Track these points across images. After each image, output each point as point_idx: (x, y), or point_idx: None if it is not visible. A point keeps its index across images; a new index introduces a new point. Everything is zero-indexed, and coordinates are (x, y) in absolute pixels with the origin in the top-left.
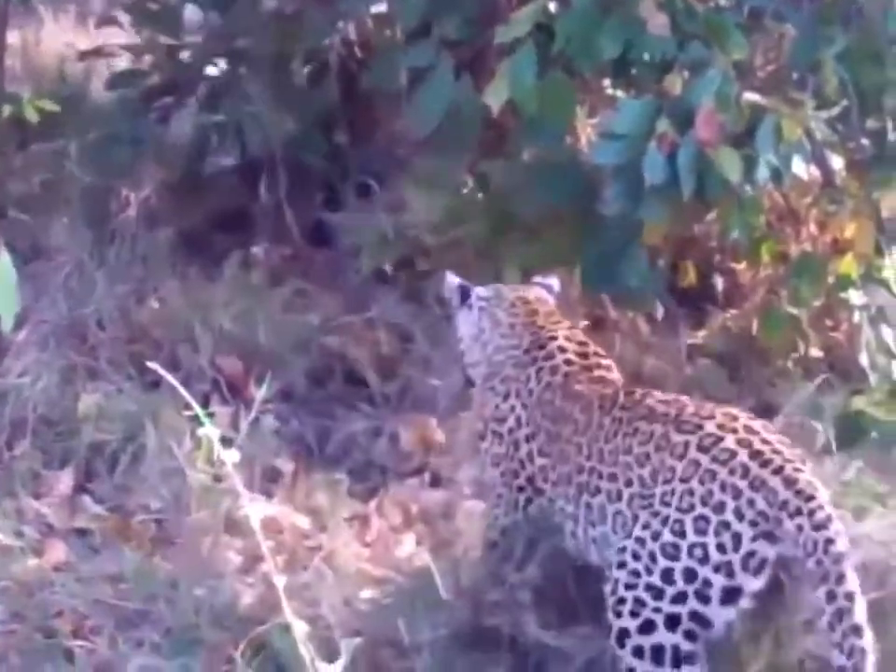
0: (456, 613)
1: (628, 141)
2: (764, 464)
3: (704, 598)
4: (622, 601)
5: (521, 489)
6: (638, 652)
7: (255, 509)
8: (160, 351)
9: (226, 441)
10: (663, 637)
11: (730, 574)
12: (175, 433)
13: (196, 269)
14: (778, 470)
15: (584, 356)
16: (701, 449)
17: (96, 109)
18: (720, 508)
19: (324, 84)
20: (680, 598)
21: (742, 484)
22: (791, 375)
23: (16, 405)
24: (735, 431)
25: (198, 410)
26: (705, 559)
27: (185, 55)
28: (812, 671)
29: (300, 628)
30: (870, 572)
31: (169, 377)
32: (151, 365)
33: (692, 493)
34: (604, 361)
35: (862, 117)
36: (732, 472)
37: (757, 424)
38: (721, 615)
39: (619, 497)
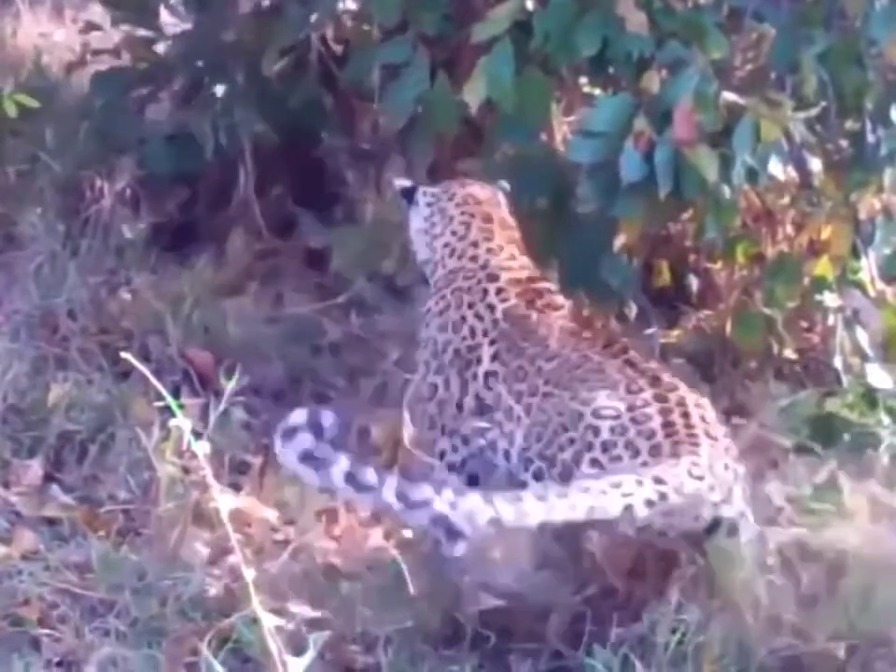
0: (424, 608)
1: (605, 139)
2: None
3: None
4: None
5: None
6: None
7: (224, 501)
8: (131, 342)
9: (196, 433)
10: None
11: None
12: (144, 424)
13: (168, 261)
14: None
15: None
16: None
17: (71, 100)
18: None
19: (301, 79)
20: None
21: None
22: (764, 377)
23: None
24: (664, 400)
25: (169, 400)
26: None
27: (161, 48)
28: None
29: (267, 621)
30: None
31: (141, 367)
32: (124, 355)
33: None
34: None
35: (841, 118)
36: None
37: (690, 399)
38: None
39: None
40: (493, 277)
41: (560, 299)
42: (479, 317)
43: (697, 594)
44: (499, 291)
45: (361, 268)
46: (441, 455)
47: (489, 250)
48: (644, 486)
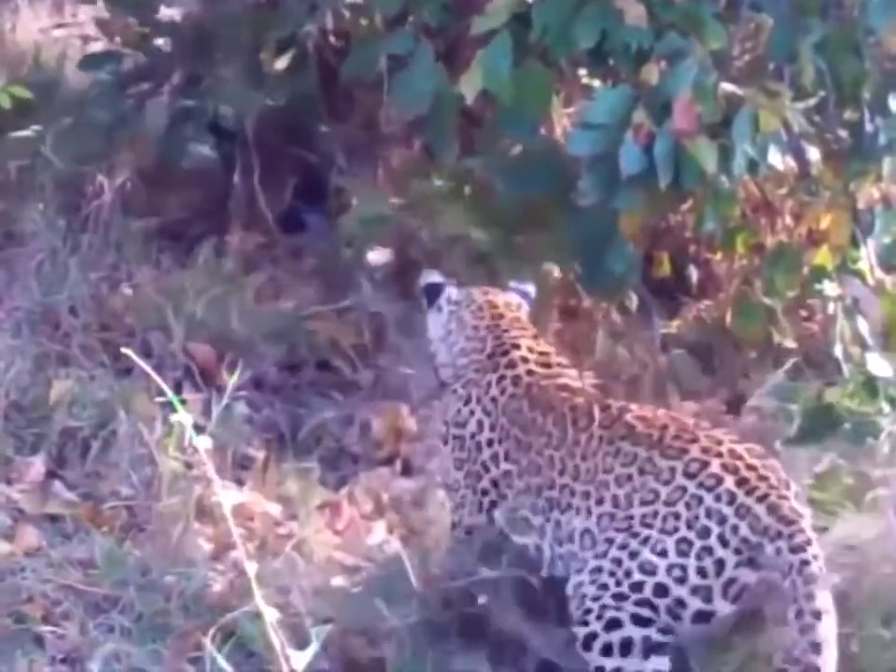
0: (427, 602)
1: (604, 131)
2: (750, 491)
3: (676, 616)
4: (588, 611)
5: (485, 492)
6: (607, 650)
7: (226, 496)
8: (132, 338)
9: (198, 429)
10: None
11: (707, 599)
12: (146, 420)
13: (169, 256)
14: (763, 498)
15: (547, 365)
16: (687, 475)
17: (71, 95)
18: (704, 533)
19: (301, 72)
20: (650, 608)
21: (727, 511)
22: (764, 366)
23: None
24: (720, 455)
25: (171, 396)
26: (683, 580)
27: (160, 41)
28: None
29: (270, 615)
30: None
31: (142, 363)
32: (125, 351)
33: (677, 517)
34: (567, 370)
35: (839, 108)
36: (718, 499)
37: (741, 448)
38: (691, 630)
39: (588, 515)
40: (496, 367)
41: (573, 374)
42: (486, 413)
43: None
44: (502, 386)
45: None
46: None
47: (497, 344)
48: None
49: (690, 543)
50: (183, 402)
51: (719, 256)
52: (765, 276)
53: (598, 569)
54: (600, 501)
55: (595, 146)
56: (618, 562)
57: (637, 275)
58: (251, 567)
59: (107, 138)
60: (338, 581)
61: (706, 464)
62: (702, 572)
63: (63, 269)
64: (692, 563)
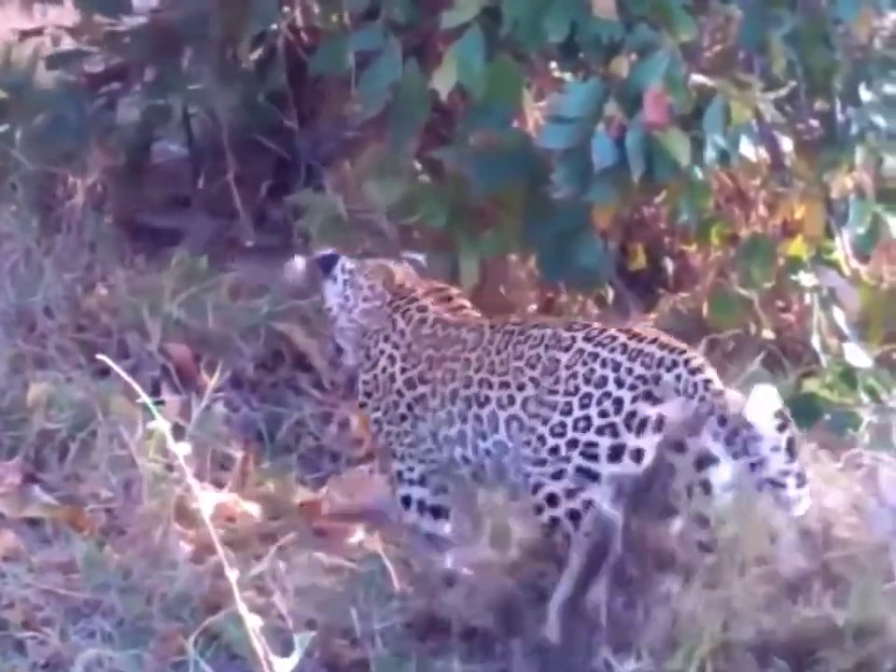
0: (408, 602)
1: (576, 124)
2: (641, 339)
3: (594, 456)
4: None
5: (403, 417)
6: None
7: (206, 502)
8: (108, 339)
9: (177, 430)
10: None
11: (614, 434)
12: (125, 421)
13: (144, 256)
14: (654, 341)
15: (449, 298)
16: (586, 339)
17: (41, 95)
18: (601, 382)
19: (271, 69)
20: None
21: (621, 358)
22: (742, 357)
23: None
24: (618, 329)
25: (148, 403)
26: (588, 427)
27: (129, 40)
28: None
29: (253, 622)
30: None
31: (118, 369)
32: (100, 357)
33: (576, 376)
34: (467, 303)
35: (810, 98)
36: (612, 350)
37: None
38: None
39: (511, 403)
40: (398, 308)
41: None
42: (395, 346)
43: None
44: (407, 316)
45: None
46: (400, 475)
47: (395, 293)
48: None
49: (590, 396)
50: (161, 403)
51: (694, 247)
52: (741, 267)
53: (527, 443)
54: (521, 387)
55: (568, 139)
56: (531, 431)
57: (612, 268)
58: (232, 574)
59: (78, 137)
60: (319, 581)
61: (603, 329)
62: (603, 414)
63: (38, 270)
64: (594, 411)
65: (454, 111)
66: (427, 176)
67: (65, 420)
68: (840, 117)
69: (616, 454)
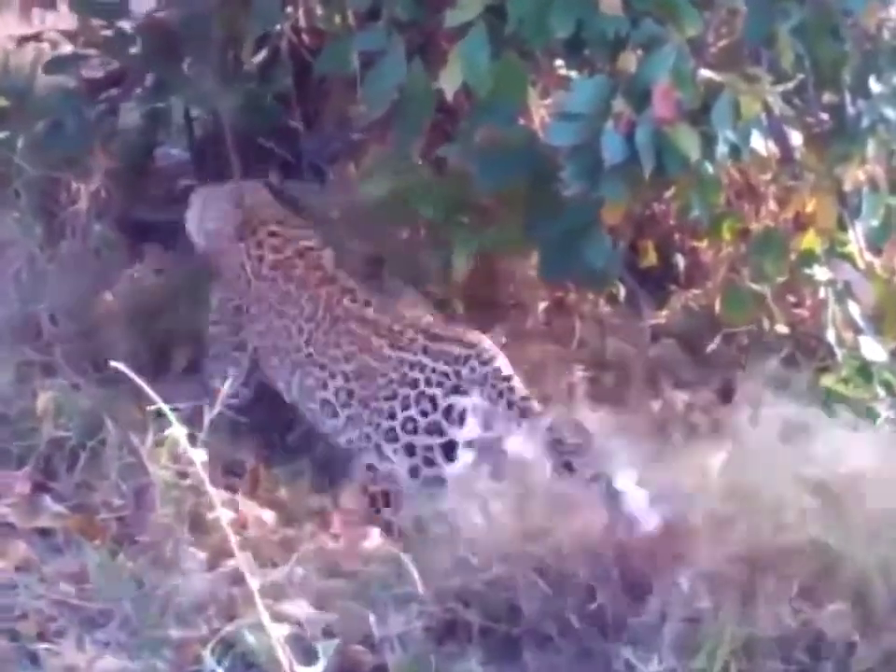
0: (427, 606)
1: (584, 121)
2: (437, 339)
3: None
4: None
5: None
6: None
7: (225, 510)
8: (115, 345)
9: (190, 437)
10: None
11: (440, 432)
12: (134, 429)
13: (149, 259)
14: (449, 339)
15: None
16: (391, 347)
17: (42, 101)
18: (413, 384)
19: (276, 70)
20: (414, 472)
21: (425, 360)
22: (756, 354)
23: None
24: (414, 327)
25: (165, 409)
26: (415, 430)
27: (127, 44)
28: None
29: (276, 630)
30: None
31: (133, 375)
32: (114, 364)
33: (391, 381)
34: (305, 235)
35: (819, 91)
36: (414, 353)
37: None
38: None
39: (325, 387)
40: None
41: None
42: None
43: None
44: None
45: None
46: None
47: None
48: None
49: (407, 398)
50: (175, 410)
51: (704, 243)
52: (753, 262)
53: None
54: (332, 375)
55: (576, 136)
56: (368, 438)
57: (622, 266)
58: (253, 582)
59: (79, 143)
60: (337, 586)
61: (402, 332)
62: (424, 413)
63: (42, 276)
64: (415, 411)
65: (458, 109)
66: (430, 173)
67: (74, 428)
68: (850, 109)
69: (449, 453)
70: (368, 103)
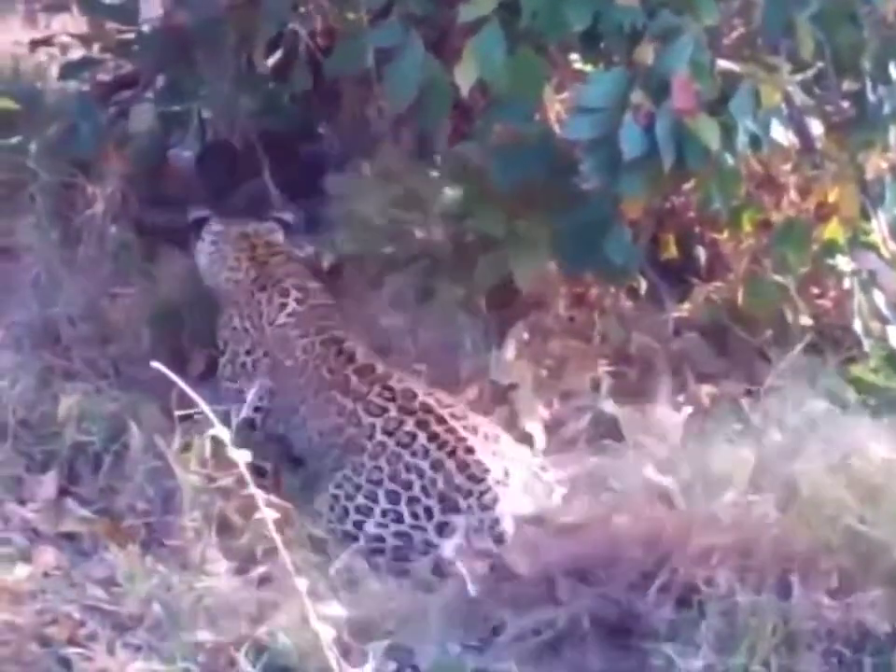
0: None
1: (602, 115)
2: (441, 446)
3: (407, 549)
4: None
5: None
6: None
7: (270, 512)
8: (135, 349)
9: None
10: None
11: (425, 538)
12: (158, 432)
13: (166, 261)
14: (452, 453)
15: (304, 290)
16: (386, 433)
17: (54, 106)
18: (407, 485)
19: (293, 71)
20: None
21: (424, 465)
22: (780, 345)
23: None
24: (413, 413)
25: (207, 411)
26: (400, 521)
27: (140, 47)
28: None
29: (325, 634)
30: None
31: (176, 378)
32: (154, 365)
33: (381, 470)
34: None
35: (839, 78)
36: (414, 455)
37: (432, 400)
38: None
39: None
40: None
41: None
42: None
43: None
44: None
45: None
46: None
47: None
48: None
49: (397, 494)
50: (201, 414)
51: (725, 235)
52: (776, 253)
53: (343, 508)
54: (330, 445)
55: (594, 130)
56: (336, 498)
57: (643, 260)
58: (301, 583)
59: (92, 147)
60: (371, 588)
61: (402, 422)
62: (415, 516)
63: (60, 281)
64: (404, 509)
65: (473, 106)
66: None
67: (98, 433)
68: (871, 96)
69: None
70: (390, 98)
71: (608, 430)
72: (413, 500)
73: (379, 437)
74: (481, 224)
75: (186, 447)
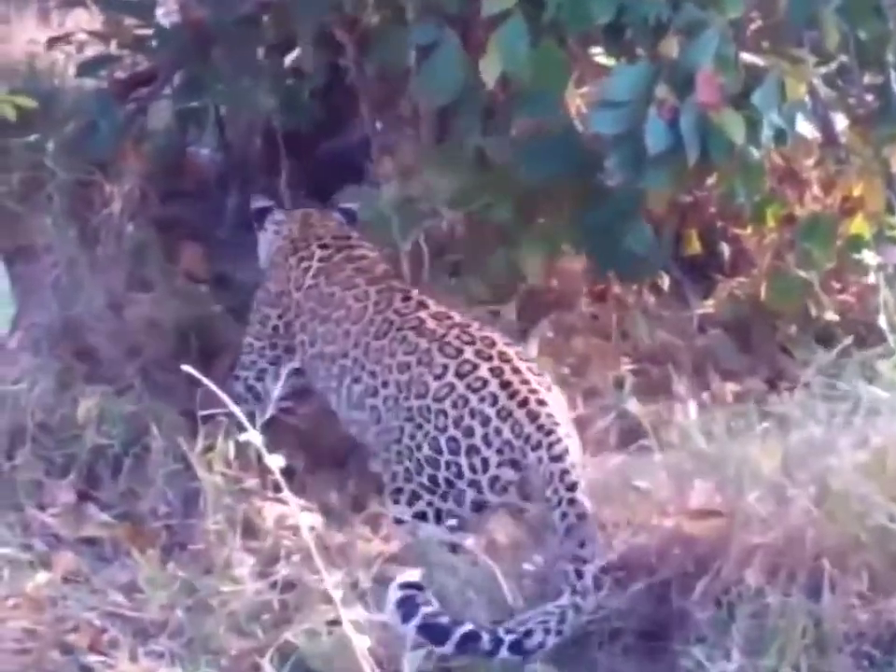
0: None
1: (627, 108)
2: (512, 395)
3: (459, 502)
4: (399, 490)
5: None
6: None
7: (305, 517)
8: (157, 350)
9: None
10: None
11: (479, 491)
12: (179, 434)
13: (185, 260)
14: (524, 403)
15: (347, 238)
16: (458, 375)
17: (71, 103)
18: (468, 432)
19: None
20: (443, 497)
21: (490, 412)
22: (804, 341)
23: (14, 413)
24: (490, 359)
25: (238, 413)
26: (459, 475)
27: (158, 43)
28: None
29: (361, 642)
30: None
31: (207, 381)
32: (185, 369)
33: (445, 414)
34: (365, 244)
35: (863, 71)
36: (482, 400)
37: (512, 351)
38: (471, 514)
39: (375, 394)
40: (302, 258)
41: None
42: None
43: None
44: (307, 268)
45: None
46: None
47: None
48: None
49: (457, 441)
50: (227, 416)
51: (748, 230)
52: (800, 248)
53: (399, 454)
54: (385, 384)
55: (619, 124)
56: (409, 451)
57: (668, 255)
58: (337, 594)
59: (110, 145)
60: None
61: (476, 366)
62: (472, 468)
63: (80, 282)
64: (463, 460)
65: (495, 99)
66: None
67: (117, 436)
68: None
69: (478, 507)
70: (426, 95)
71: (632, 429)
72: (472, 450)
73: (449, 378)
74: (496, 217)
75: (208, 449)
